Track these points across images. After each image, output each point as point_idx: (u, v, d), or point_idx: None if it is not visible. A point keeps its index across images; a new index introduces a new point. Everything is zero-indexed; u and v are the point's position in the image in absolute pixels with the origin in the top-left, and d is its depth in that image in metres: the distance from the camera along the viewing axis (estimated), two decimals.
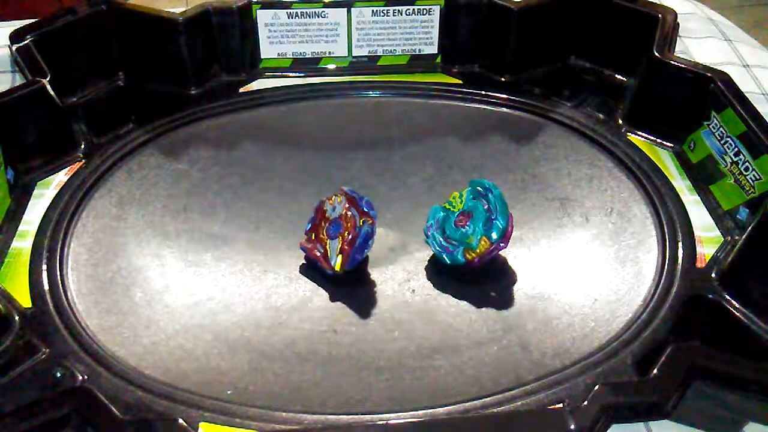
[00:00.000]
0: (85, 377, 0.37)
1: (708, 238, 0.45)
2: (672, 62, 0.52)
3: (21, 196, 0.48)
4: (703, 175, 0.49)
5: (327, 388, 0.38)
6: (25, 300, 0.41)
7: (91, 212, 0.48)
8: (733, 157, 0.47)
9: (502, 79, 0.59)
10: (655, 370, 0.34)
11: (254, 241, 0.47)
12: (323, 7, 0.58)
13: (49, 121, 0.51)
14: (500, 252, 0.44)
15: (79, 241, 0.45)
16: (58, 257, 0.44)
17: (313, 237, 0.45)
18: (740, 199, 0.46)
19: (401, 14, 0.59)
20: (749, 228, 0.41)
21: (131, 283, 0.44)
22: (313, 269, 0.45)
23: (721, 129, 0.48)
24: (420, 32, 0.59)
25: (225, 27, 0.57)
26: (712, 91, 0.49)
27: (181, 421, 0.33)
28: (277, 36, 0.59)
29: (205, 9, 0.56)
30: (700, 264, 0.43)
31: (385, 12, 0.58)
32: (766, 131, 0.45)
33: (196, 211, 0.49)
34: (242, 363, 0.40)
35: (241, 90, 0.58)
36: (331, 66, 0.60)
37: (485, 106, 0.57)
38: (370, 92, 0.58)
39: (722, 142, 0.48)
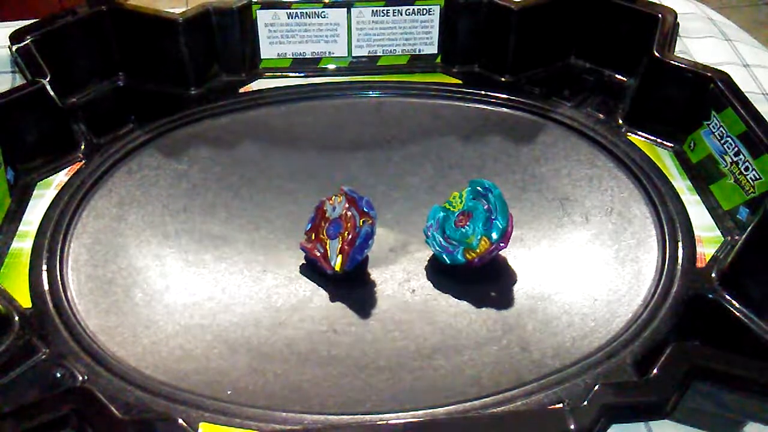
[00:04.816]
0: (85, 377, 0.37)
1: (708, 238, 0.45)
2: (672, 62, 0.52)
3: (21, 196, 0.48)
4: (703, 175, 0.49)
5: (327, 388, 0.38)
6: (25, 300, 0.41)
7: (91, 212, 0.48)
8: (733, 157, 0.47)
9: (502, 79, 0.59)
10: (655, 370, 0.34)
11: (254, 241, 0.47)
12: (323, 8, 0.58)
13: (49, 121, 0.51)
14: (500, 252, 0.44)
15: (79, 242, 0.45)
16: (58, 257, 0.44)
17: (313, 237, 0.45)
18: (740, 199, 0.46)
19: (401, 14, 0.59)
20: (749, 228, 0.41)
21: (131, 284, 0.44)
22: (313, 269, 0.45)
23: (721, 129, 0.48)
24: (420, 32, 0.59)
25: (225, 27, 0.57)
26: (712, 90, 0.49)
27: (180, 421, 0.33)
28: (277, 36, 0.59)
29: (205, 9, 0.56)
30: (700, 264, 0.43)
31: (384, 12, 0.58)
32: (766, 131, 0.45)
33: (196, 211, 0.49)
34: (242, 363, 0.40)
35: (241, 90, 0.58)
36: (331, 66, 0.60)
37: (485, 106, 0.57)
38: (370, 92, 0.58)
39: (722, 141, 0.48)
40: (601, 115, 0.55)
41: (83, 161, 0.51)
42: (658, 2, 0.58)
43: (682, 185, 0.49)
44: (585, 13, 0.58)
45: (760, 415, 0.35)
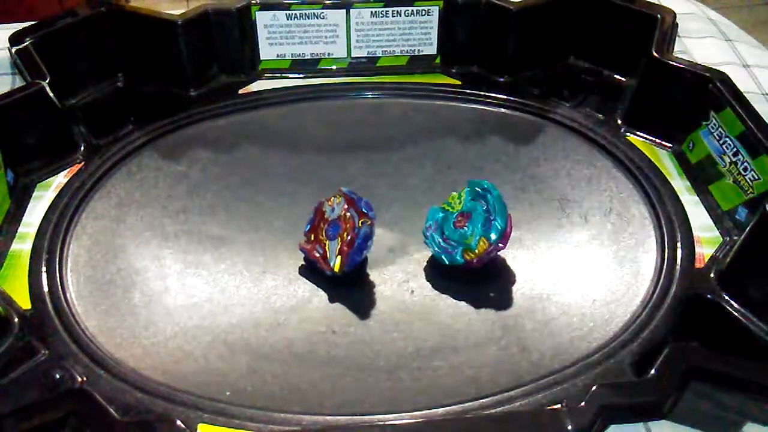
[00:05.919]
0: (84, 379, 0.37)
1: (707, 238, 0.45)
2: (671, 62, 0.52)
3: (21, 197, 0.48)
4: (702, 176, 0.49)
5: (325, 388, 0.38)
6: (24, 302, 0.41)
7: (91, 214, 0.48)
8: (731, 158, 0.47)
9: (501, 80, 0.59)
10: (653, 371, 0.34)
11: (253, 242, 0.47)
12: (322, 9, 0.58)
13: (49, 123, 0.51)
14: (499, 253, 0.44)
15: (78, 243, 0.46)
16: (57, 259, 0.44)
17: (312, 238, 0.45)
18: (739, 200, 0.46)
19: (400, 15, 0.59)
20: (748, 228, 0.41)
21: (130, 285, 0.44)
22: (312, 270, 0.45)
23: (719, 129, 0.48)
24: (419, 33, 0.59)
25: (224, 28, 0.57)
26: (711, 91, 0.49)
27: (179, 422, 0.33)
28: (276, 37, 0.59)
29: (205, 11, 0.56)
30: (699, 264, 0.43)
31: (384, 13, 0.58)
32: (765, 131, 0.45)
33: (195, 212, 0.49)
34: (241, 364, 0.40)
35: (241, 91, 0.58)
36: (331, 67, 0.60)
37: (484, 107, 0.57)
38: (369, 93, 0.58)
39: (721, 142, 0.48)
40: (600, 116, 0.55)
41: (83, 163, 0.51)
42: (657, 2, 0.58)
43: (680, 185, 0.49)
44: (584, 13, 0.58)
45: (759, 416, 0.35)
